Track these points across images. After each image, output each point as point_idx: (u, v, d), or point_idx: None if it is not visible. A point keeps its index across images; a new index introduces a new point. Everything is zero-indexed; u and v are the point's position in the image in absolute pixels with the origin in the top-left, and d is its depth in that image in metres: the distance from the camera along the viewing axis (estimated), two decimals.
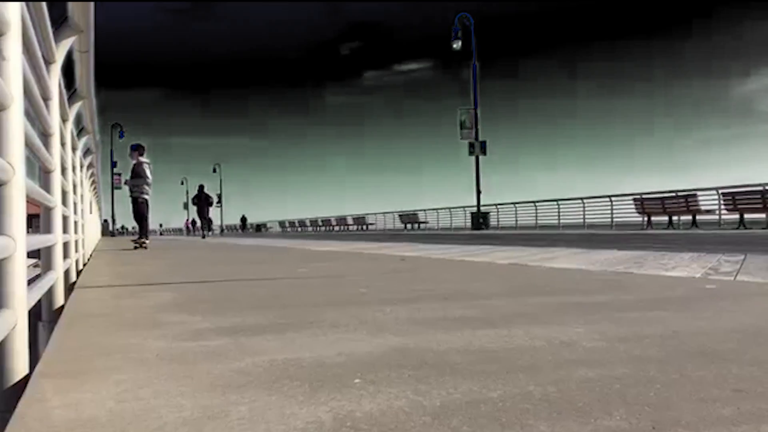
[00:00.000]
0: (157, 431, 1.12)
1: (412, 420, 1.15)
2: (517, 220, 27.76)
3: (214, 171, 67.35)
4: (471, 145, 27.28)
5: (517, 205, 27.89)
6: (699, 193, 19.11)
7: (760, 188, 17.06)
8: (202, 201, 24.89)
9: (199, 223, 28.51)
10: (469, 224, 28.81)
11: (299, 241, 17.23)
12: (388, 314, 2.49)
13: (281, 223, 61.10)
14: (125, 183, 13.00)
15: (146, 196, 12.33)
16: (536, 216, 26.52)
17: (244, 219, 66.66)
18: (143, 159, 12.40)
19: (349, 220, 44.78)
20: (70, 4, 3.26)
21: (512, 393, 1.31)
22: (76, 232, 5.59)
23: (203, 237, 24.85)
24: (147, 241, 11.93)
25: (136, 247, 11.49)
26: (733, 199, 17.90)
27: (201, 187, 24.96)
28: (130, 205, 12.53)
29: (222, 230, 65.41)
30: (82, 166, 7.22)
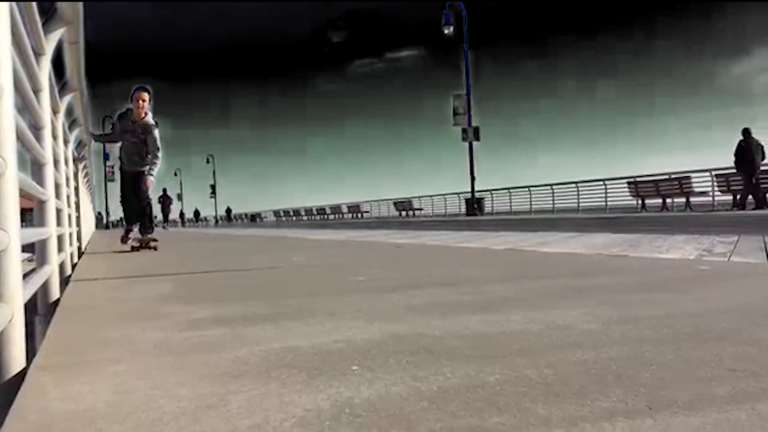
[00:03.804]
0: (156, 422, 1.12)
1: (410, 405, 1.16)
2: (511, 206, 27.77)
3: (208, 162, 67.16)
4: (464, 131, 27.23)
5: (511, 190, 27.92)
6: (692, 175, 19.15)
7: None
8: (165, 201, 33.99)
9: (188, 216, 37.03)
10: (463, 210, 28.82)
11: (294, 230, 17.23)
12: (384, 301, 2.50)
13: (276, 213, 61.05)
14: (108, 135, 8.29)
15: (154, 172, 7.51)
16: (530, 201, 26.54)
17: (228, 210, 66.90)
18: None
19: (344, 209, 44.78)
20: None
21: (509, 377, 1.32)
22: (70, 225, 5.57)
23: (164, 228, 31.39)
24: (156, 239, 7.64)
25: (134, 248, 7.44)
26: (727, 180, 17.94)
27: (164, 190, 34.47)
28: (120, 182, 7.95)
29: (216, 221, 65.43)
30: (74, 159, 7.19)
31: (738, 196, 17.04)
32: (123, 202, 7.89)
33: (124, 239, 7.68)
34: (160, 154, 7.47)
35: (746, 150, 16.28)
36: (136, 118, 7.40)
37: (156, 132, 7.44)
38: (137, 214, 7.74)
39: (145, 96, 7.41)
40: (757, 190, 16.51)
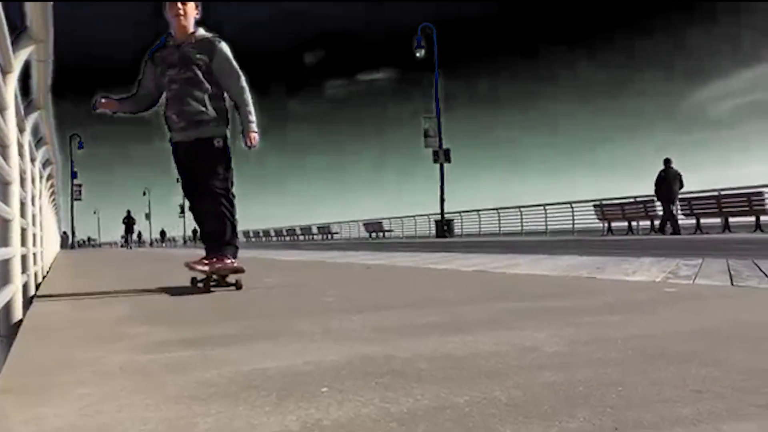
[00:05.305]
0: None
1: (379, 427, 1.16)
2: (480, 227, 27.98)
3: (177, 181, 66.43)
4: (435, 153, 27.43)
5: (480, 212, 28.15)
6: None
7: (716, 194, 17.52)
8: (129, 222, 37.39)
9: (180, 234, 43.45)
10: (433, 232, 28.91)
11: (264, 251, 17.11)
12: (354, 322, 2.50)
13: (245, 233, 60.61)
14: (132, 96, 4.40)
15: (254, 117, 4.27)
16: (499, 223, 26.77)
17: (195, 231, 66.52)
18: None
19: (314, 230, 44.69)
20: (29, 14, 3.21)
21: (478, 398, 1.33)
22: (35, 244, 5.47)
23: (129, 248, 34.81)
24: (242, 269, 4.22)
25: (197, 284, 4.21)
26: (690, 204, 18.31)
27: (128, 212, 37.64)
28: (175, 166, 4.52)
29: (185, 241, 65.00)
30: (41, 177, 7.09)
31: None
32: (191, 203, 4.49)
33: (191, 265, 4.11)
34: (244, 81, 4.24)
35: (665, 179, 17.53)
36: (180, 38, 4.20)
37: (225, 48, 4.21)
38: (201, 224, 4.40)
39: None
40: (671, 216, 17.66)
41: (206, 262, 4.11)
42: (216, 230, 4.20)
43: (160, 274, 6.88)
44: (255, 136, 4.20)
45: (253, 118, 4.21)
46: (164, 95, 4.29)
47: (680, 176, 17.59)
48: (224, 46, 4.20)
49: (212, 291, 4.04)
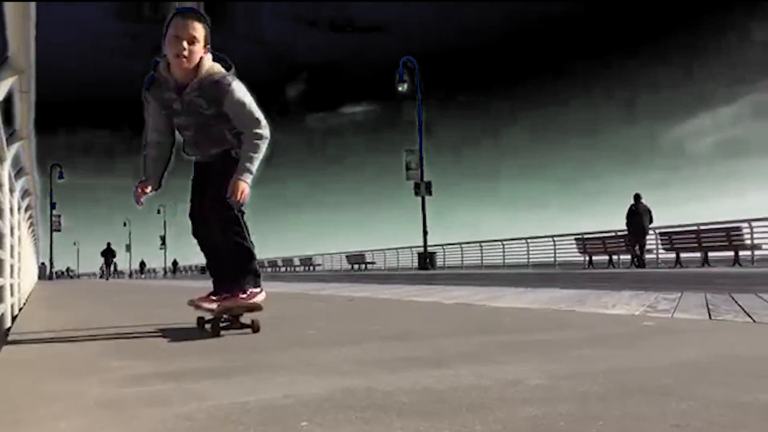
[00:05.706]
0: None
1: None
2: (463, 260, 28.07)
3: (159, 212, 66.24)
4: (416, 186, 27.62)
5: (463, 245, 28.28)
6: None
7: (695, 228, 17.78)
8: (108, 253, 38.22)
9: (160, 265, 44.07)
10: (416, 264, 28.95)
11: None
12: (335, 355, 2.48)
13: None
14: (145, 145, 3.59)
15: (254, 167, 3.34)
16: (482, 256, 26.88)
17: (175, 262, 66.73)
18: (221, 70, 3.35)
19: (296, 261, 44.57)
20: (10, 44, 3.21)
21: None
22: (12, 276, 5.40)
23: (107, 279, 34.89)
24: (258, 306, 3.42)
25: (204, 324, 3.58)
26: (670, 239, 18.56)
27: (108, 244, 38.54)
28: (191, 184, 3.67)
29: (165, 272, 64.73)
30: (19, 208, 7.02)
31: (635, 256, 18.58)
32: (195, 229, 3.65)
33: (196, 303, 3.48)
34: (262, 129, 3.39)
35: (635, 214, 18.10)
36: (181, 76, 3.33)
37: (237, 90, 3.33)
38: (207, 253, 3.65)
39: (196, 28, 3.25)
40: (639, 249, 18.27)
41: (214, 298, 3.42)
42: (227, 258, 3.47)
43: (140, 305, 6.81)
44: (241, 187, 3.28)
45: (251, 168, 3.33)
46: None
47: (650, 211, 18.06)
48: (236, 88, 3.32)
49: (222, 335, 3.28)
